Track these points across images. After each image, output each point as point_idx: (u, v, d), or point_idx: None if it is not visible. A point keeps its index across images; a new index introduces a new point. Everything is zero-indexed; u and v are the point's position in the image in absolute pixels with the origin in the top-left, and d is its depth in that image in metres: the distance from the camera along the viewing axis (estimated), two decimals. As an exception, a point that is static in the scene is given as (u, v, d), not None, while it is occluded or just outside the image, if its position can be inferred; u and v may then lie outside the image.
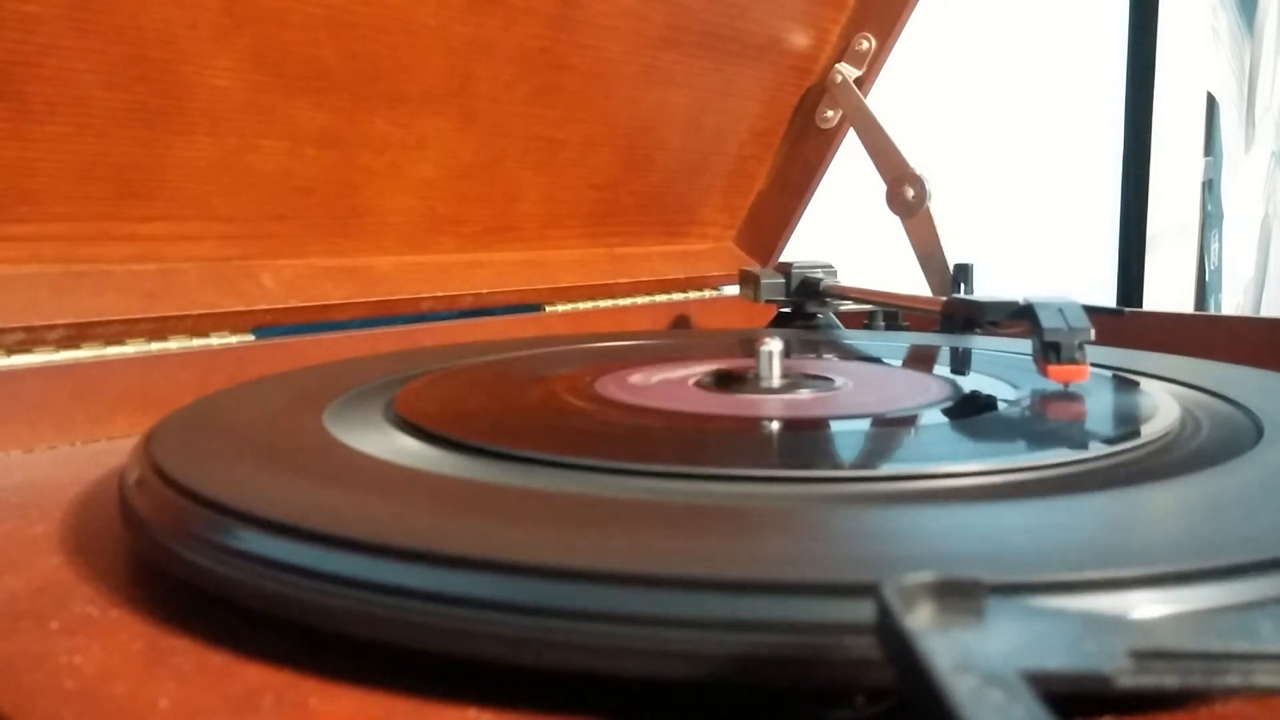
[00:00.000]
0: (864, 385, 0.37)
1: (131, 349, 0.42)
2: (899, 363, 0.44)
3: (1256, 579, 0.18)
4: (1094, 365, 0.39)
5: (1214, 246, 1.84)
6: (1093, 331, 0.35)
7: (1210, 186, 1.82)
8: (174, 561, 0.22)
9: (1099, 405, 0.34)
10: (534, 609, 0.17)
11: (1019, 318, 0.38)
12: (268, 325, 0.47)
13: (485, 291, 0.56)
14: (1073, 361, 0.34)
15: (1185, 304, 1.78)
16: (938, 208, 0.61)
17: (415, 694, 0.18)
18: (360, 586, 0.19)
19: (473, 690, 0.18)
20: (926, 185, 0.61)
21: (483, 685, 0.18)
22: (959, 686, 0.12)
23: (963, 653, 0.13)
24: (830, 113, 0.67)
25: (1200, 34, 1.73)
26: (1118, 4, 1.53)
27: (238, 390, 0.37)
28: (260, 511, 0.21)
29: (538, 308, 0.59)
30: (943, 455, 0.28)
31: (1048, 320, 0.35)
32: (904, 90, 0.79)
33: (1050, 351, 0.34)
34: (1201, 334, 0.56)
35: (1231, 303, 1.93)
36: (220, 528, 0.21)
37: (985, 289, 0.52)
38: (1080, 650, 0.14)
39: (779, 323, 0.60)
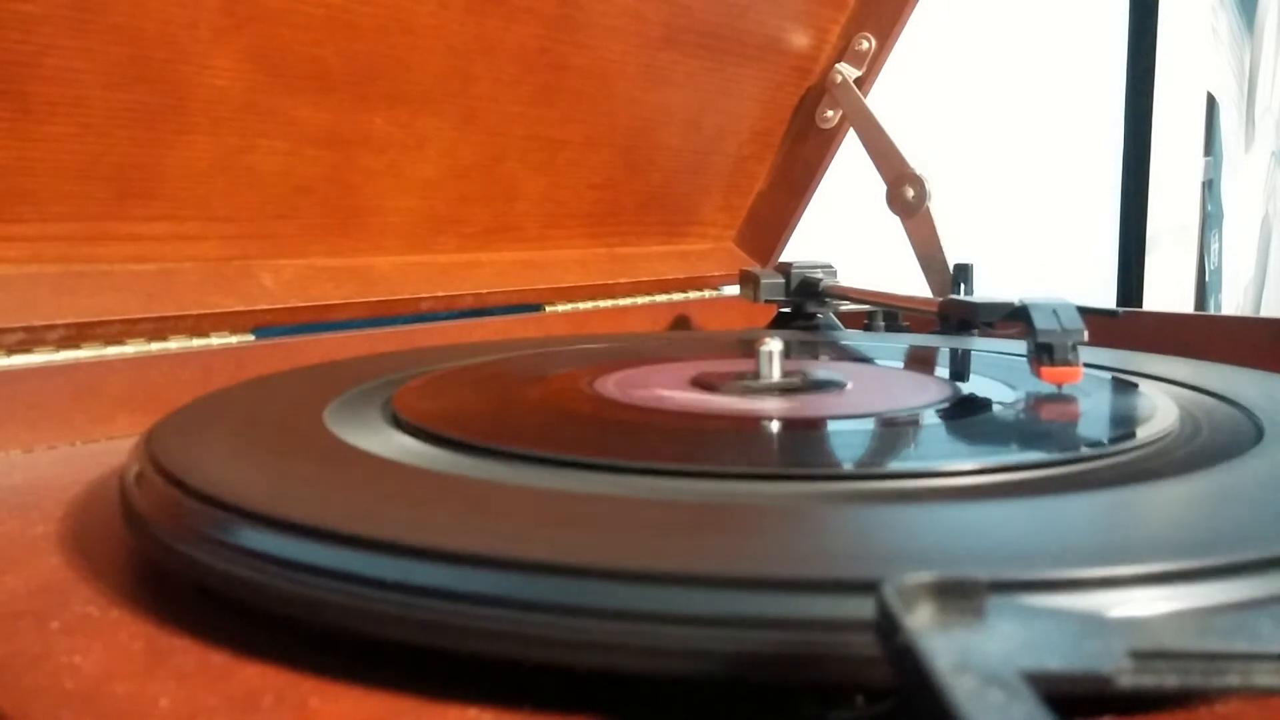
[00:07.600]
0: (863, 385, 0.37)
1: (131, 349, 0.42)
2: (898, 363, 0.44)
3: (1257, 578, 0.18)
4: (1092, 366, 0.39)
5: (1214, 246, 1.84)
6: (1086, 333, 0.34)
7: (1210, 186, 1.82)
8: (174, 558, 0.22)
9: (1099, 406, 0.34)
10: (533, 606, 0.17)
11: (1014, 319, 0.38)
12: (268, 325, 0.47)
13: (485, 291, 0.56)
14: (1066, 363, 0.34)
15: (1185, 304, 1.78)
16: (938, 208, 0.61)
17: (416, 693, 0.18)
18: (360, 583, 0.19)
19: (474, 690, 0.18)
20: (926, 185, 0.61)
21: (483, 684, 0.18)
22: (959, 686, 0.12)
23: (963, 653, 0.13)
24: (830, 113, 0.67)
25: (1200, 34, 1.73)
26: (1118, 4, 1.53)
27: (239, 388, 0.37)
28: (261, 508, 0.21)
29: (538, 308, 0.59)
30: (941, 455, 0.28)
31: (1041, 321, 0.34)
32: (904, 90, 0.79)
33: (1043, 353, 0.34)
34: (1200, 334, 0.56)
35: (1231, 303, 1.93)
36: (221, 524, 0.21)
37: (985, 289, 0.52)
38: (1080, 650, 0.14)
39: (779, 323, 0.60)
